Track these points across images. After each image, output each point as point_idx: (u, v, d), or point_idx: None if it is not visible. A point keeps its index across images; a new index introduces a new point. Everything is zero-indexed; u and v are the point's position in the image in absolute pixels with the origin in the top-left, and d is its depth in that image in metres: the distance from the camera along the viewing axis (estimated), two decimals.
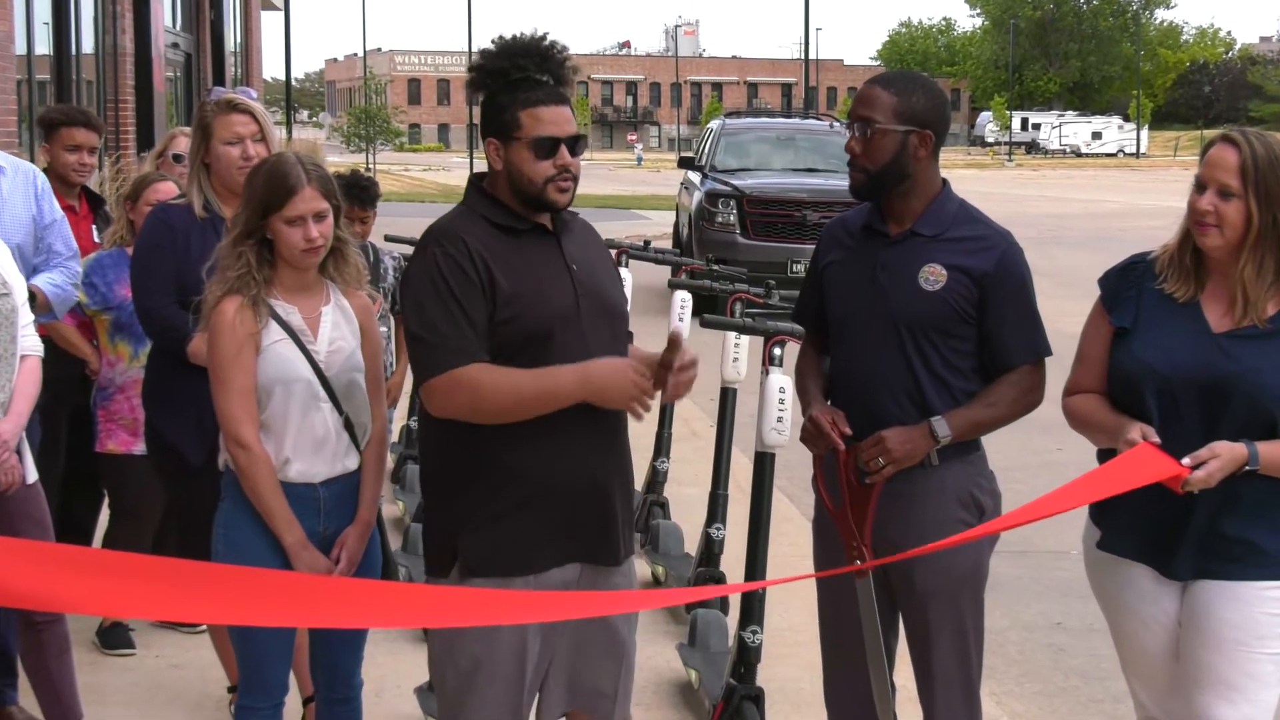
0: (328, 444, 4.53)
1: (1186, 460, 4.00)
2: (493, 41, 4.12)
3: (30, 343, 5.15)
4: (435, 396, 3.98)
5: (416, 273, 4.04)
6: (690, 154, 23.07)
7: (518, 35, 4.11)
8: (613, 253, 5.95)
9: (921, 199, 4.43)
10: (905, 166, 4.38)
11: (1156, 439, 4.06)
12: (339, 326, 4.61)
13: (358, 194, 7.20)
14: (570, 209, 4.21)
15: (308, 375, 4.49)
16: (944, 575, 4.41)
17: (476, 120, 4.49)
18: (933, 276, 4.35)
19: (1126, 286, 4.32)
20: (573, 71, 4.15)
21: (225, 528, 4.55)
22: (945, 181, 4.50)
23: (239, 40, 23.09)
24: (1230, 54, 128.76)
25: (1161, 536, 4.19)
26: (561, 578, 4.08)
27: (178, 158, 6.98)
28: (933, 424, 4.32)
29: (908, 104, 4.37)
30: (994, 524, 4.40)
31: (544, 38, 4.11)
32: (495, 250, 4.03)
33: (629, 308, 4.41)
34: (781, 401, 5.53)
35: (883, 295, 4.39)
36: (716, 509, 7.11)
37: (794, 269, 18.25)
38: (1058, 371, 4.44)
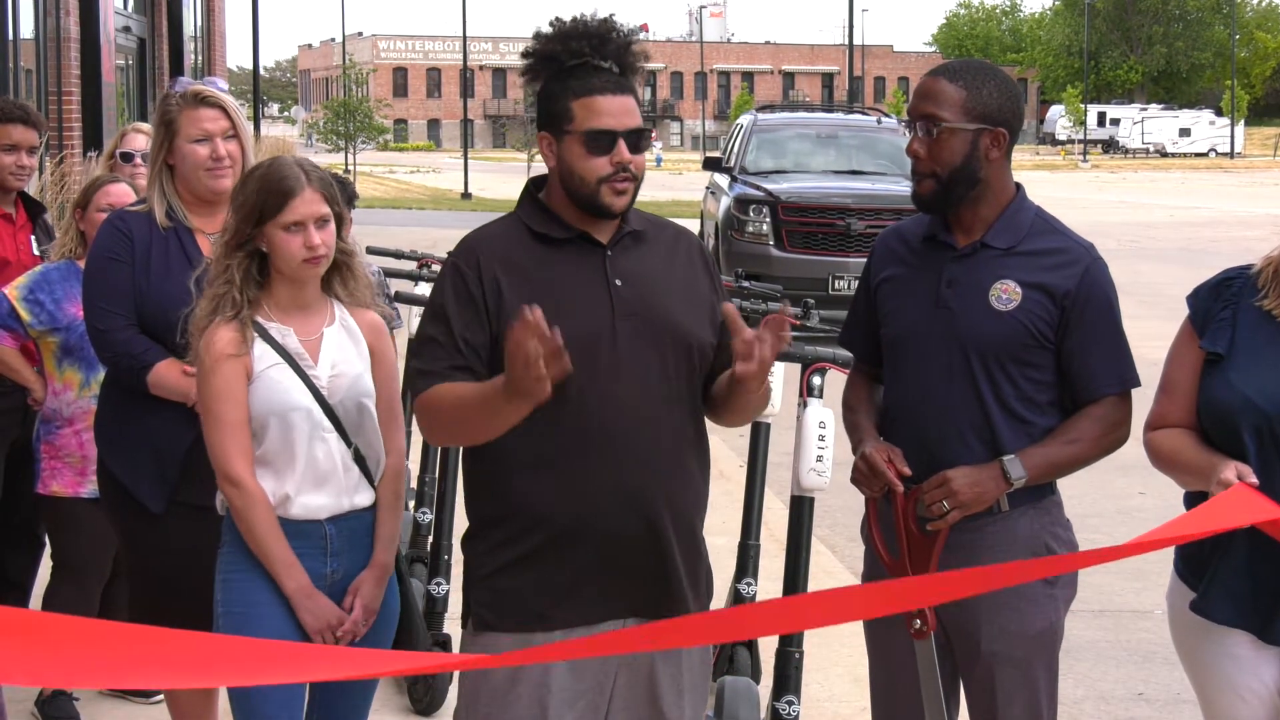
0: (334, 477, 4.59)
1: None
2: (550, 24, 4.16)
3: None
4: (420, 424, 4.15)
5: (432, 290, 4.21)
6: (717, 154, 23.10)
7: (577, 16, 4.14)
8: None
9: (993, 206, 4.44)
10: (976, 170, 4.38)
11: (1254, 479, 4.04)
12: (344, 348, 4.66)
13: None
14: (656, 216, 4.28)
15: (307, 403, 4.55)
16: (1015, 638, 4.41)
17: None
18: (1005, 294, 4.36)
19: (1220, 306, 4.31)
20: (640, 57, 4.16)
21: (226, 573, 4.60)
22: (1019, 186, 4.51)
23: (200, 23, 23.18)
24: None
25: (1260, 596, 4.19)
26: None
27: (126, 156, 7.00)
28: (1005, 464, 4.32)
29: (978, 98, 4.37)
30: (1062, 560, 4.38)
31: (606, 19, 4.12)
32: (519, 263, 4.09)
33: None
34: (821, 438, 5.54)
35: (948, 316, 4.40)
36: (747, 561, 7.12)
37: (836, 286, 18.27)
38: (1139, 402, 4.45)
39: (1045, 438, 4.39)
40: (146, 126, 7.25)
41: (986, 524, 4.37)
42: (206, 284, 4.61)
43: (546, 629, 4.04)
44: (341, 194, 7.20)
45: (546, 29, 4.14)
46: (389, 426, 4.74)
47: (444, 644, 7.08)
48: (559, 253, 4.11)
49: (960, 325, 4.38)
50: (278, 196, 4.52)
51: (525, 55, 4.19)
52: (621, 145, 4.06)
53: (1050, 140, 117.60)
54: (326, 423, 4.57)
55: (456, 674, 4.26)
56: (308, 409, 4.55)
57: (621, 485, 4.02)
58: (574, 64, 4.09)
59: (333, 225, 4.62)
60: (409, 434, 8.48)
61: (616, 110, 4.06)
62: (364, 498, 4.65)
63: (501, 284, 4.05)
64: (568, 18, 4.14)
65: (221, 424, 4.53)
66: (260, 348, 4.55)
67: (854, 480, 4.48)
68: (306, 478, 4.56)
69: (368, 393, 4.66)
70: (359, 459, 4.63)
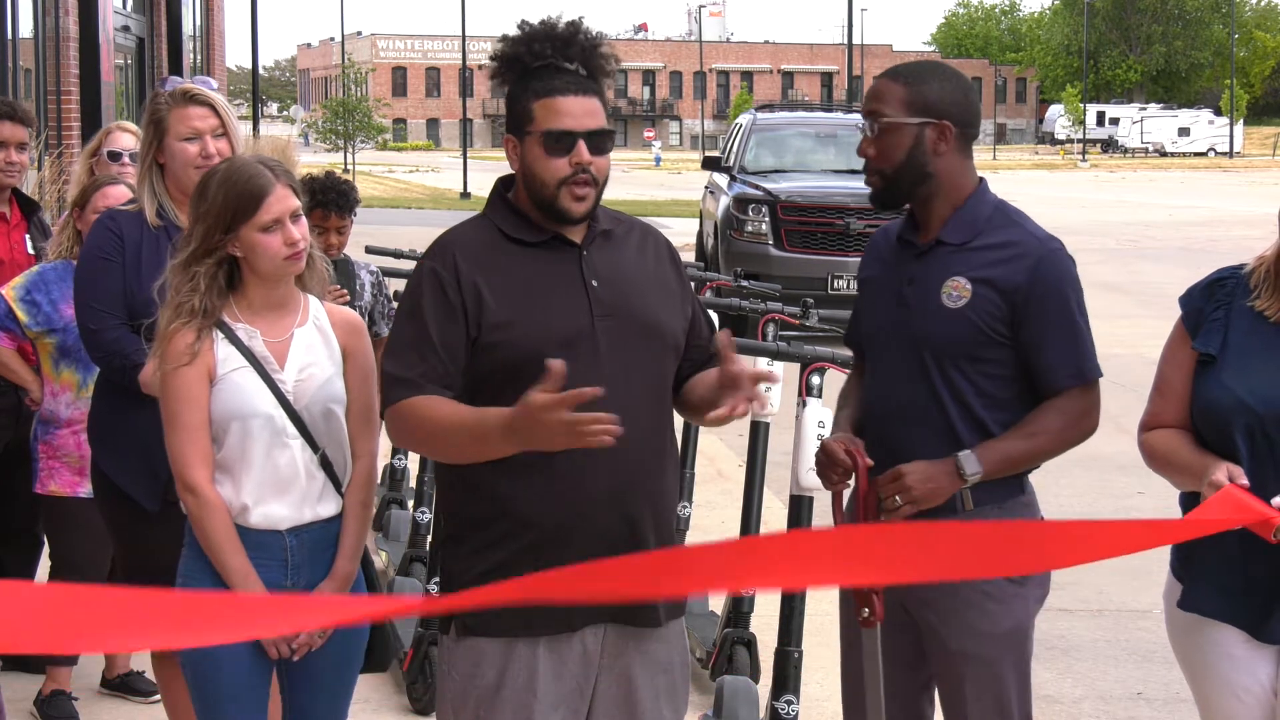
0: (296, 486, 4.53)
1: (1278, 501, 4.00)
2: (517, 26, 4.15)
3: None
4: (387, 429, 4.15)
5: (405, 290, 4.16)
6: (716, 153, 23.09)
7: (544, 19, 4.12)
8: None
9: (948, 202, 4.44)
10: (922, 164, 4.39)
11: (1245, 481, 4.04)
12: (314, 350, 4.60)
13: (334, 199, 7.17)
14: (622, 214, 4.27)
15: (268, 409, 4.48)
16: (981, 637, 4.41)
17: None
18: (955, 292, 4.36)
19: (1213, 306, 4.30)
20: (608, 60, 4.14)
21: (184, 578, 4.57)
22: (981, 180, 4.50)
23: (199, 23, 23.15)
24: None
25: (1254, 594, 4.18)
26: (580, 643, 4.08)
27: (114, 155, 7.00)
28: (960, 460, 4.30)
29: (918, 92, 4.39)
30: (1046, 556, 4.35)
31: (573, 21, 4.11)
32: (495, 265, 4.07)
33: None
34: (820, 437, 5.54)
35: (907, 315, 4.41)
36: None
37: (835, 285, 18.26)
38: (1137, 401, 4.44)
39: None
40: (131, 125, 7.26)
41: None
42: (170, 292, 4.54)
43: (531, 635, 4.03)
44: (346, 199, 7.23)
45: (513, 32, 4.13)
46: (363, 429, 4.66)
47: None
48: (533, 254, 4.09)
49: (915, 324, 4.39)
50: (250, 198, 4.45)
51: (492, 59, 4.17)
52: (581, 146, 4.03)
53: (1049, 140, 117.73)
54: (291, 428, 4.50)
55: (439, 677, 4.25)
56: (269, 415, 4.48)
57: (607, 485, 4.02)
58: (538, 65, 4.07)
59: (303, 217, 4.58)
60: None
61: (577, 111, 4.04)
62: (329, 506, 4.58)
63: (480, 287, 4.02)
64: (534, 20, 4.13)
65: (180, 428, 4.46)
66: (225, 350, 4.49)
67: (817, 471, 4.49)
68: (266, 485, 4.49)
69: (336, 397, 4.59)
70: (325, 465, 4.57)
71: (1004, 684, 4.45)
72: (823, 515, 6.06)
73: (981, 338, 4.34)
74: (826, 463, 4.41)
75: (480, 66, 4.26)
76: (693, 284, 4.61)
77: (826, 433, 5.50)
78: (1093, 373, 4.42)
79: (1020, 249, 4.38)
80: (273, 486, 4.51)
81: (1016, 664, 4.48)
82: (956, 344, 4.34)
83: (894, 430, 4.40)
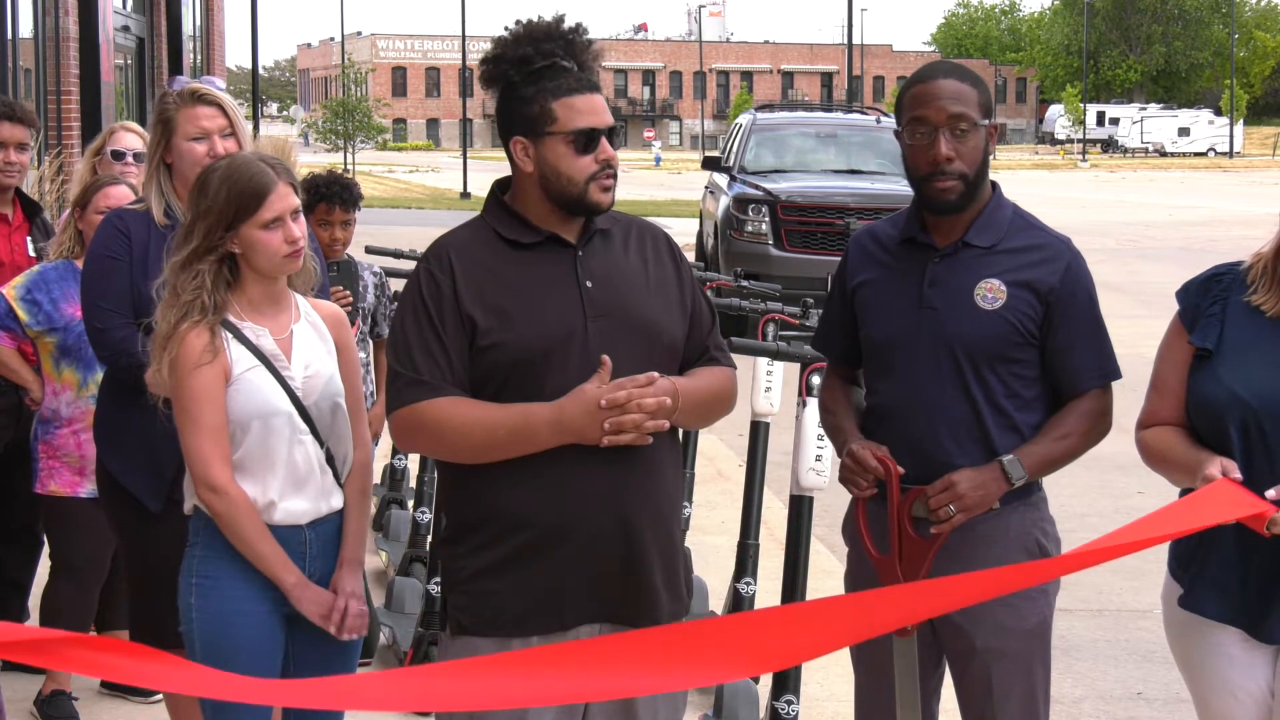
0: (312, 481, 4.58)
1: (1271, 494, 3.99)
2: (507, 28, 4.16)
3: None
4: (395, 432, 4.14)
5: (403, 293, 4.18)
6: (716, 153, 23.09)
7: (536, 19, 4.15)
8: None
9: (976, 205, 4.45)
10: (986, 167, 4.43)
11: (1238, 475, 4.04)
12: (314, 346, 4.64)
13: (338, 193, 7.19)
14: (620, 213, 4.29)
15: (287, 406, 4.52)
16: (1012, 634, 4.43)
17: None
18: (990, 293, 4.37)
19: (1210, 302, 4.30)
20: (599, 57, 4.20)
21: (201, 578, 4.56)
22: (995, 183, 4.52)
23: (199, 23, 23.14)
24: None
25: (1252, 594, 4.19)
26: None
27: (117, 155, 7.01)
28: (1005, 465, 4.32)
29: (985, 94, 4.43)
30: (1053, 566, 4.37)
31: (559, 20, 4.14)
32: (490, 267, 4.08)
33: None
34: (821, 437, 5.55)
35: (934, 317, 4.40)
36: (746, 561, 7.12)
37: None
38: (1137, 402, 4.44)
39: (1036, 434, 4.41)
40: (135, 125, 7.27)
41: (978, 522, 4.36)
42: (170, 291, 4.55)
43: (524, 634, 4.04)
44: (350, 193, 7.25)
45: (508, 34, 4.15)
46: (356, 422, 4.72)
47: None
48: (528, 256, 4.11)
49: (946, 325, 4.38)
50: (252, 196, 4.48)
51: (491, 60, 4.17)
52: (604, 142, 4.10)
53: (1049, 140, 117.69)
54: (303, 425, 4.55)
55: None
56: (289, 412, 4.52)
57: (601, 487, 4.02)
58: (542, 65, 4.10)
59: (302, 216, 4.60)
60: None
61: (597, 109, 4.11)
62: (338, 499, 4.65)
63: (474, 289, 4.05)
64: (525, 21, 4.15)
65: (201, 429, 4.47)
66: (237, 350, 4.51)
67: (842, 479, 4.47)
68: (287, 482, 4.53)
69: (340, 392, 4.64)
70: (330, 460, 4.62)
71: (1032, 680, 4.49)
72: (821, 515, 6.08)
73: (1016, 338, 4.37)
74: (856, 469, 4.40)
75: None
76: None
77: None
78: (1116, 373, 4.48)
79: (1050, 251, 4.43)
80: (292, 483, 4.55)
81: (1043, 659, 4.53)
82: (992, 345, 4.36)
83: (920, 433, 4.39)
